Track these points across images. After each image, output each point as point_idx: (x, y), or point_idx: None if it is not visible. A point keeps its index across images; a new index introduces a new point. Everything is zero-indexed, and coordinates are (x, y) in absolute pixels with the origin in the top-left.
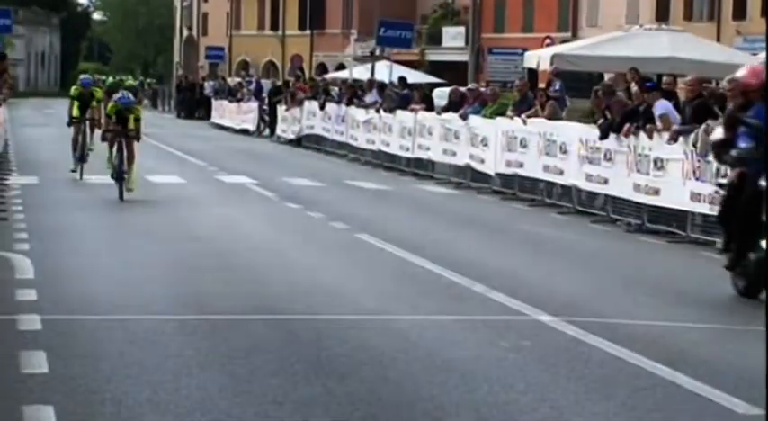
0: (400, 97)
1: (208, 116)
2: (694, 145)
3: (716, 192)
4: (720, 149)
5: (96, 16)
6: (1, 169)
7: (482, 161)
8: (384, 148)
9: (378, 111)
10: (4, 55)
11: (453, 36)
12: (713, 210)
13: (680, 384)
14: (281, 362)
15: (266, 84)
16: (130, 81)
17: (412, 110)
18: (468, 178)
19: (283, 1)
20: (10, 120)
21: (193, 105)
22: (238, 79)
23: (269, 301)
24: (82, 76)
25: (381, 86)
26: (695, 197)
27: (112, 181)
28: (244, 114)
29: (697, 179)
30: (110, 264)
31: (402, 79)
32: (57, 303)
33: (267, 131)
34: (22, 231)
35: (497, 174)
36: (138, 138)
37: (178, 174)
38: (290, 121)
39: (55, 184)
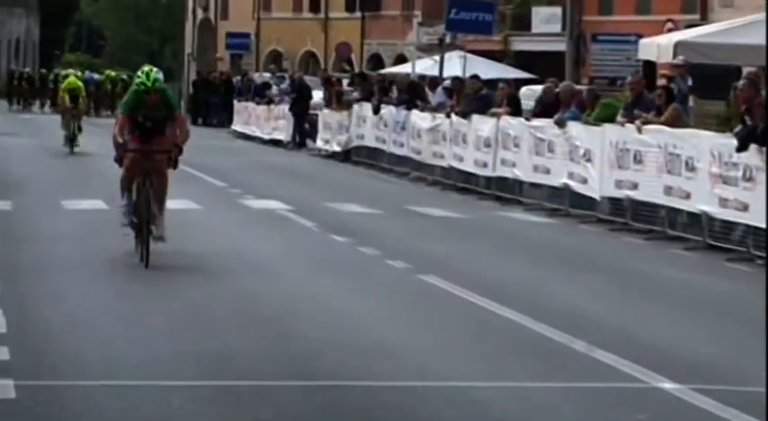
0: (477, 98)
1: (228, 122)
2: None
3: None
4: None
5: None
6: None
7: (584, 181)
8: (456, 165)
9: (448, 115)
10: None
11: (546, 19)
12: None
13: None
14: None
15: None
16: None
17: (493, 114)
18: (567, 203)
19: None
20: None
21: (218, 108)
22: (268, 75)
23: (308, 363)
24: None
25: (453, 84)
26: None
27: (102, 206)
28: (275, 121)
29: None
30: (101, 313)
31: (475, 77)
32: (35, 365)
33: (310, 143)
34: None
35: (604, 199)
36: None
37: (191, 197)
38: (334, 130)
39: (32, 211)
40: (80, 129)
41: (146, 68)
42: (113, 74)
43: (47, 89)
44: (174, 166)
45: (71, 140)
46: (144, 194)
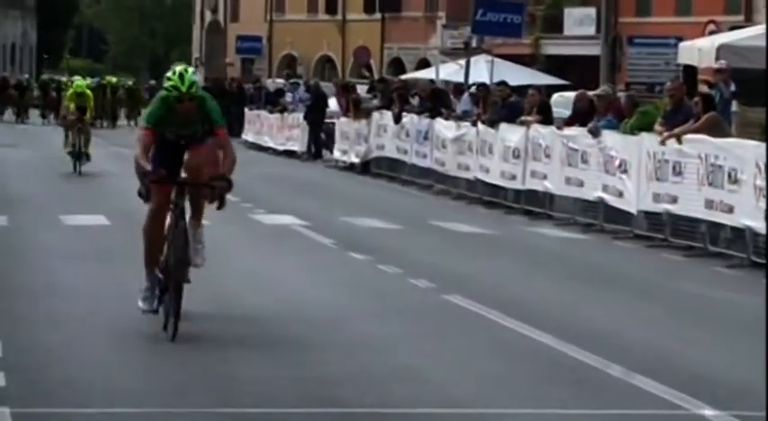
0: (505, 105)
1: (238, 132)
2: None
3: None
4: None
5: None
6: None
7: (620, 194)
8: (483, 177)
9: (474, 124)
10: None
11: (580, 21)
12: None
13: None
14: None
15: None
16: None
17: (522, 123)
18: (601, 218)
19: None
20: None
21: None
22: (281, 81)
23: (325, 389)
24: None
25: (479, 91)
26: None
27: (104, 222)
28: (289, 130)
29: None
30: (104, 337)
31: (503, 84)
32: (31, 391)
33: (326, 154)
34: None
35: (641, 213)
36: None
37: None
38: (352, 140)
39: (31, 227)
40: (87, 144)
41: (178, 68)
42: (114, 80)
43: (50, 98)
44: (221, 205)
45: (77, 157)
46: (178, 241)
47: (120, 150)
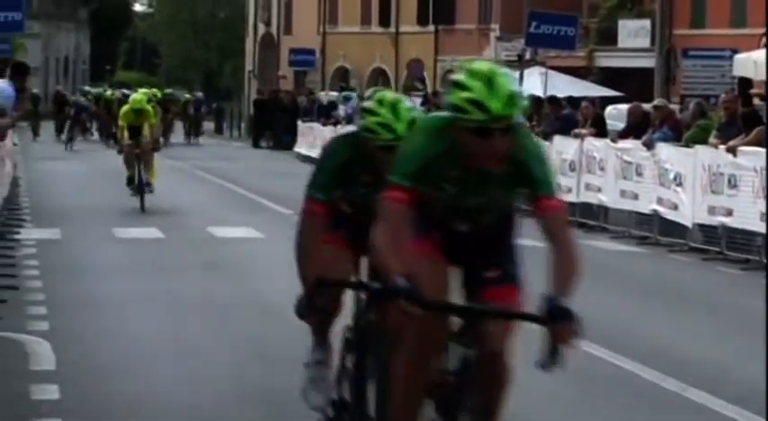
0: (559, 118)
1: (292, 144)
2: None
3: None
4: None
5: (139, 7)
6: (9, 219)
7: (675, 207)
8: None
9: None
10: (25, 67)
11: (634, 32)
12: None
13: None
14: None
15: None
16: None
17: (576, 135)
18: (656, 231)
19: None
20: (22, 152)
21: (282, 129)
22: (334, 93)
23: None
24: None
25: (533, 103)
26: None
27: (158, 234)
28: None
29: None
30: (157, 350)
31: (553, 99)
32: (85, 404)
33: None
34: (39, 305)
35: (696, 226)
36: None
37: (252, 225)
38: None
39: (83, 240)
40: (149, 171)
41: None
42: (169, 92)
43: (108, 115)
44: None
45: (138, 190)
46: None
47: (173, 163)
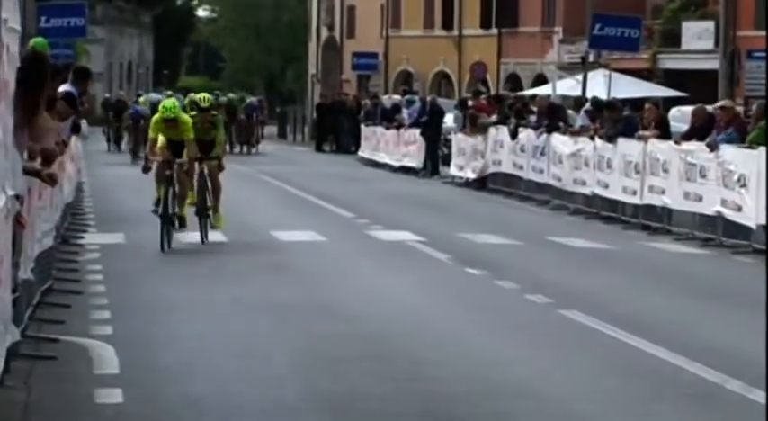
0: (623, 120)
1: (355, 148)
2: None
3: None
4: None
5: (202, 12)
6: (73, 224)
7: (739, 209)
8: (601, 192)
9: (592, 139)
10: (87, 71)
11: (698, 34)
12: None
13: None
14: None
15: (447, 105)
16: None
17: (640, 137)
18: (720, 233)
19: None
20: (86, 157)
21: (345, 133)
22: (398, 97)
23: (440, 404)
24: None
25: (596, 105)
26: None
27: (221, 238)
28: (405, 146)
29: None
30: (221, 353)
31: (611, 104)
32: (149, 408)
33: (444, 170)
34: (103, 309)
35: (761, 227)
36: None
37: (316, 228)
38: (468, 155)
39: (146, 244)
40: (181, 203)
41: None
42: (232, 96)
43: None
44: None
45: (167, 222)
46: None
47: (237, 167)
